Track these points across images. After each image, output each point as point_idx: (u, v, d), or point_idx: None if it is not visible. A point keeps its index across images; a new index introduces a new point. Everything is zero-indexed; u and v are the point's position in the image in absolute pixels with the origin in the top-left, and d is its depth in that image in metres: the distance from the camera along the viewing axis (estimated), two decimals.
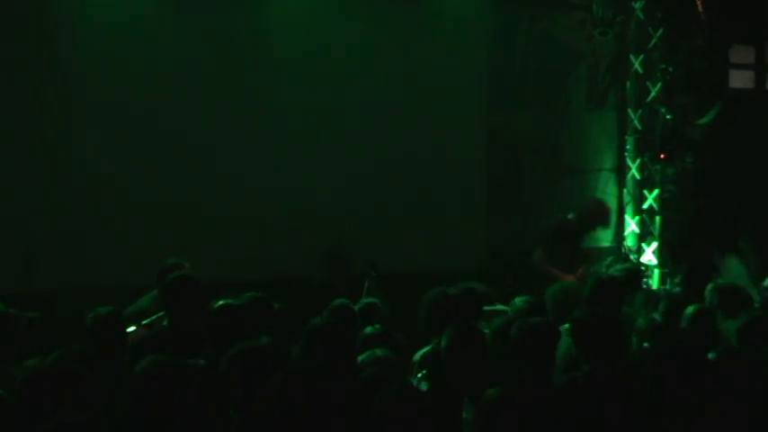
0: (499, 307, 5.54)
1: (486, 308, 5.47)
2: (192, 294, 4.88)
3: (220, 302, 4.68)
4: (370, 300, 5.89)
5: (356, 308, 5.57)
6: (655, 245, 9.55)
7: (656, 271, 9.41)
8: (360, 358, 4.53)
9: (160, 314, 5.17)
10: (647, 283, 9.16)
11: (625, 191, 9.75)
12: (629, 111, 9.67)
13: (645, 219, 9.66)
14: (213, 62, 7.45)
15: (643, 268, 9.27)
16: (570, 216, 7.80)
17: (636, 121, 9.65)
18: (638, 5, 9.43)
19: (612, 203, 9.68)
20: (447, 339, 4.30)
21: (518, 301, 5.40)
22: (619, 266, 6.86)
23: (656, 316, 5.44)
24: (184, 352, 4.26)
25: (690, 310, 5.11)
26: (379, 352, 4.55)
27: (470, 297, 5.40)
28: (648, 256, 9.58)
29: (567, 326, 4.82)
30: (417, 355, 4.86)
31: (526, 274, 7.49)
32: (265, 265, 7.66)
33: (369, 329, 5.03)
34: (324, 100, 7.95)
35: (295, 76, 7.81)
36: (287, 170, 7.90)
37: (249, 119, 7.72)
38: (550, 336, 4.32)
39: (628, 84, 9.66)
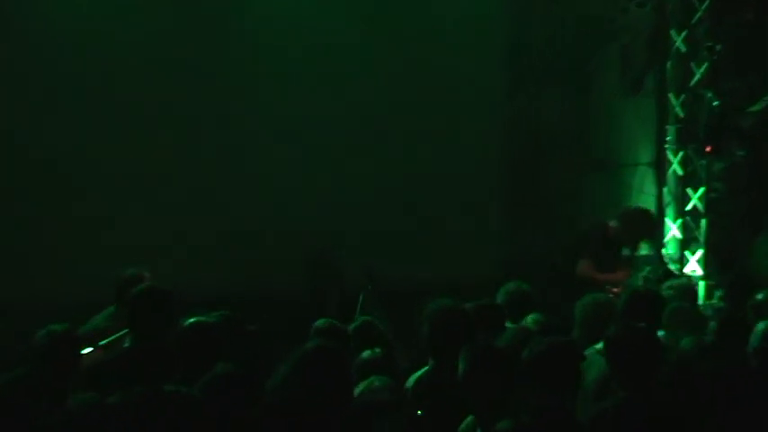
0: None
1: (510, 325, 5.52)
2: (162, 310, 4.93)
3: (191, 320, 4.75)
4: (365, 318, 5.88)
5: (350, 328, 5.55)
6: (700, 253, 9.56)
7: (702, 284, 9.41)
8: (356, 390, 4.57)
9: (122, 333, 5.22)
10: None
11: (665, 189, 9.78)
12: (670, 96, 9.69)
13: (688, 222, 9.68)
14: (201, 63, 7.77)
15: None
16: (612, 224, 7.94)
17: (678, 108, 9.66)
18: None
19: (650, 204, 9.69)
20: (465, 362, 4.33)
21: (529, 320, 5.45)
22: (674, 282, 6.89)
23: (704, 336, 5.49)
24: (150, 376, 4.33)
25: (761, 326, 5.14)
26: (377, 382, 4.56)
27: (491, 312, 5.42)
28: (692, 266, 9.57)
29: (599, 346, 4.86)
30: (410, 381, 4.85)
31: (549, 285, 7.57)
32: (248, 278, 7.79)
33: (366, 354, 5.01)
34: (322, 95, 8.21)
35: (288, 73, 8.11)
36: (273, 172, 8.13)
37: (233, 120, 8.02)
38: (572, 357, 4.35)
39: (668, 64, 9.69)
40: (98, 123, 7.50)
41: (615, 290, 7.27)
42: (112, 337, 5.35)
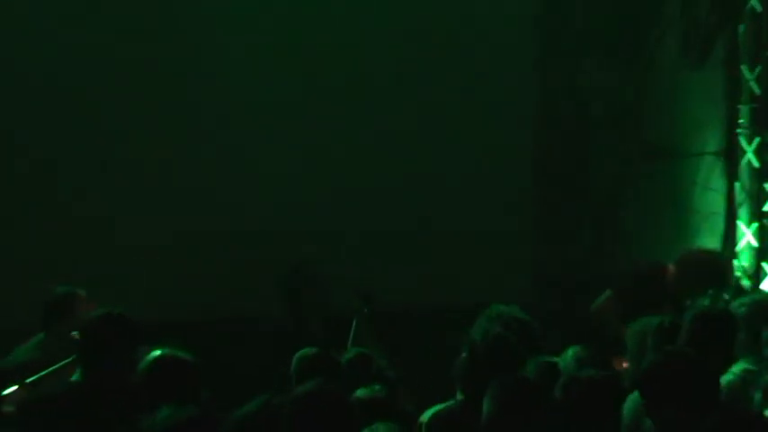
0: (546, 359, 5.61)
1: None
2: (126, 340, 5.08)
3: (158, 353, 4.89)
4: (360, 349, 5.94)
5: (342, 361, 5.65)
6: None
7: None
8: None
9: (58, 366, 5.32)
10: None
11: (737, 185, 9.76)
12: (743, 68, 9.68)
13: (766, 226, 9.69)
14: (201, 63, 8.40)
15: None
16: (670, 268, 7.72)
17: (752, 83, 9.64)
18: None
19: (719, 203, 9.74)
20: (492, 399, 4.38)
21: (570, 353, 5.45)
22: (746, 298, 6.85)
23: None
24: (104, 416, 4.41)
25: None
26: (382, 428, 4.57)
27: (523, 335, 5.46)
28: None
29: None
30: (426, 415, 4.93)
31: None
32: (213, 299, 8.14)
33: (363, 392, 5.07)
34: (322, 91, 8.61)
35: (288, 71, 8.56)
36: (273, 172, 8.54)
37: (233, 120, 8.53)
38: (612, 395, 4.41)
39: (741, 28, 9.70)
40: (98, 124, 8.25)
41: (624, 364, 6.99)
42: (45, 372, 5.42)
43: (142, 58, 8.33)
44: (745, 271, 9.67)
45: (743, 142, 9.74)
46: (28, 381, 5.42)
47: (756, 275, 9.67)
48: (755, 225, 9.73)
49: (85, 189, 8.29)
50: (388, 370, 5.83)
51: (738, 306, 6.36)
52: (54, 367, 5.42)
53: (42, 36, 8.17)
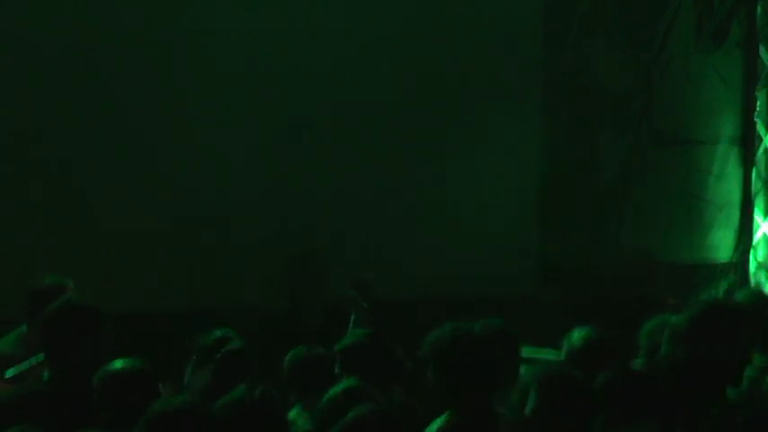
0: (545, 353, 5.60)
1: (528, 353, 5.53)
2: (91, 332, 4.98)
3: (119, 364, 4.78)
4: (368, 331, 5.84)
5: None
6: None
7: None
8: None
9: (36, 361, 5.27)
10: None
11: (754, 172, 9.77)
12: (762, 49, 9.71)
13: None
14: (201, 62, 8.40)
15: None
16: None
17: None
18: None
19: (734, 193, 9.75)
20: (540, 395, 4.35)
21: (575, 336, 5.38)
22: (748, 290, 6.81)
23: None
24: (73, 417, 4.39)
25: None
26: None
27: (500, 339, 5.37)
28: None
29: None
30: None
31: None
32: (201, 288, 8.11)
33: (342, 386, 4.87)
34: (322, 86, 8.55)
35: (287, 70, 8.55)
36: (273, 171, 8.50)
37: (232, 120, 8.45)
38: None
39: (759, 8, 9.70)
40: (98, 124, 8.26)
41: None
42: (23, 366, 5.39)
43: (143, 59, 8.37)
44: (761, 264, 9.68)
45: (760, 129, 9.76)
46: (8, 375, 5.39)
47: None
48: None
49: (73, 178, 8.29)
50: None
51: (740, 297, 6.35)
52: (29, 363, 5.39)
53: (42, 37, 8.17)
